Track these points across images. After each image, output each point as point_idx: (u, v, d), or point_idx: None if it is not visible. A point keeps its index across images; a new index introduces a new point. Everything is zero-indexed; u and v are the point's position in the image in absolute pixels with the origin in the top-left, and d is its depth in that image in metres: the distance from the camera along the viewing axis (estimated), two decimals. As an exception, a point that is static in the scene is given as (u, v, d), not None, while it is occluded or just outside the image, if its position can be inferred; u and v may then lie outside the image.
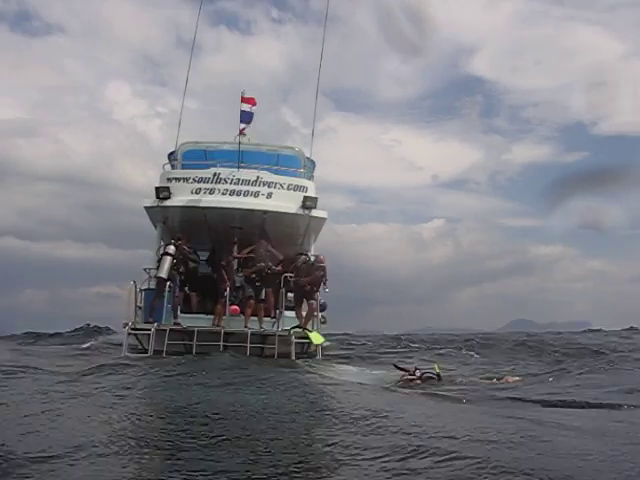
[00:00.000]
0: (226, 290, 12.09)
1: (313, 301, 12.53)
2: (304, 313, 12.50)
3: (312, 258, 13.07)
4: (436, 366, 9.28)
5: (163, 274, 11.91)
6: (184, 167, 14.24)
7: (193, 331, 11.37)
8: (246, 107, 13.52)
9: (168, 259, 12.02)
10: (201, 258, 13.60)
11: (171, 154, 14.98)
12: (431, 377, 8.81)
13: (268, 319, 12.43)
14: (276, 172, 13.81)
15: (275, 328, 12.14)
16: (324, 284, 12.46)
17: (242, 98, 13.55)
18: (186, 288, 12.64)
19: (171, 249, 12.16)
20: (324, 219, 13.62)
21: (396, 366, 9.87)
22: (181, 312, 12.30)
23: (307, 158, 15.17)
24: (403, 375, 9.06)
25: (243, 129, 13.72)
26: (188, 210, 12.97)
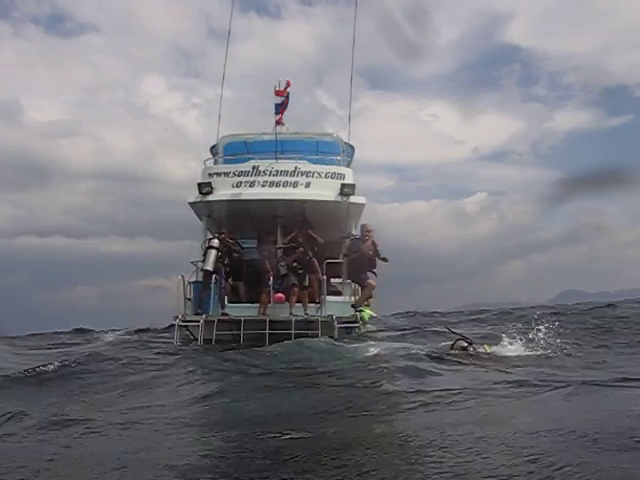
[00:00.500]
0: (269, 279, 12.49)
1: (368, 278, 12.52)
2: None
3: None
4: (486, 346, 8.76)
5: (209, 266, 12.43)
6: (225, 160, 14.71)
7: (240, 320, 11.87)
8: (279, 100, 13.78)
9: (213, 252, 12.52)
10: (248, 246, 14.13)
11: (213, 147, 15.46)
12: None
13: (313, 305, 12.79)
14: (314, 161, 14.07)
15: (319, 314, 12.49)
16: (377, 253, 12.42)
17: (276, 91, 13.85)
18: (230, 279, 13.11)
19: (215, 242, 12.65)
20: (363, 204, 13.81)
21: (450, 330, 9.68)
22: (229, 302, 12.81)
23: (346, 143, 15.39)
24: (456, 342, 8.68)
25: (279, 119, 14.01)
26: (230, 204, 13.41)
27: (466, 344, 8.59)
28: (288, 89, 14.77)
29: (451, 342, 8.89)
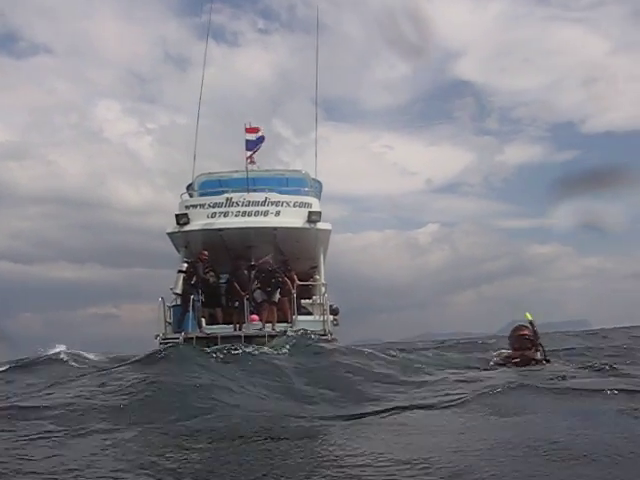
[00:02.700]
0: (243, 301, 13.40)
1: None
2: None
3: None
4: (528, 314, 7.93)
5: (177, 290, 13.50)
6: (201, 195, 15.82)
7: (217, 336, 12.73)
8: (250, 137, 15.03)
9: (180, 276, 13.57)
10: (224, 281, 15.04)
11: (189, 186, 16.57)
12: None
13: (285, 324, 13.68)
14: (283, 192, 15.21)
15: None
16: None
17: (246, 129, 15.11)
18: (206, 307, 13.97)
19: (183, 266, 13.70)
20: (329, 230, 14.95)
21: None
22: (207, 325, 13.67)
23: (313, 179, 16.65)
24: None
25: (249, 156, 15.22)
26: (206, 233, 14.43)
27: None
28: (261, 132, 16.05)
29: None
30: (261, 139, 15.83)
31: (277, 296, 13.54)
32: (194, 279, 13.65)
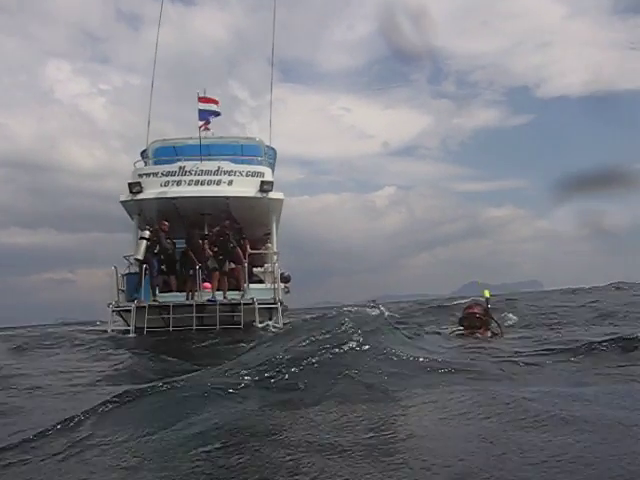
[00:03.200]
0: (195, 269, 13.70)
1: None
2: None
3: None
4: (487, 292, 7.67)
5: (139, 256, 13.60)
6: (156, 163, 15.87)
7: (169, 305, 13.06)
8: (204, 106, 15.04)
9: (143, 242, 13.68)
10: (180, 246, 15.26)
11: (143, 152, 16.58)
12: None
13: (237, 292, 14.07)
14: (237, 162, 15.38)
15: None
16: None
17: (200, 98, 15.11)
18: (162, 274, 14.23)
19: (146, 234, 13.82)
20: (281, 200, 15.22)
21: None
22: (161, 293, 13.95)
23: (267, 146, 16.81)
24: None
25: (202, 125, 15.26)
26: (159, 201, 14.58)
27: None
28: (217, 107, 16.05)
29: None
30: (216, 114, 15.89)
31: (228, 265, 13.87)
32: (157, 248, 13.85)
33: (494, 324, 7.62)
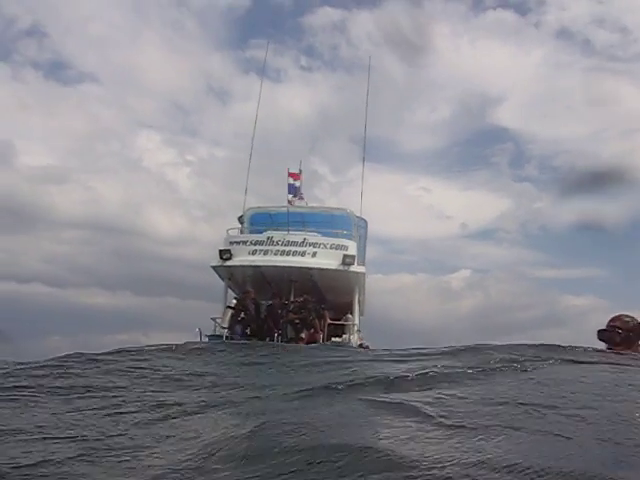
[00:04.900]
0: (274, 334, 14.31)
1: None
2: None
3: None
4: None
5: (225, 324, 14.50)
6: (251, 228, 16.88)
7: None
8: (292, 181, 15.91)
9: (229, 312, 14.62)
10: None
11: (240, 217, 17.66)
12: None
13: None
14: (323, 234, 15.96)
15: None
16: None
17: (289, 173, 16.01)
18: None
19: (232, 302, 14.71)
20: (363, 273, 15.57)
21: None
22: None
23: (358, 217, 17.32)
24: None
25: (291, 199, 16.11)
26: (246, 269, 15.44)
27: None
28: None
29: None
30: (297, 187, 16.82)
31: (305, 334, 14.36)
32: (241, 315, 14.69)
33: None
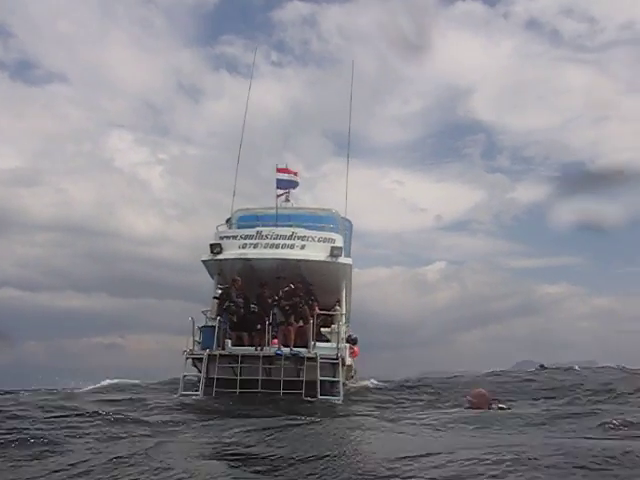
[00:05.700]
0: (264, 324, 14.66)
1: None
2: None
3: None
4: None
5: (212, 314, 14.90)
6: (238, 227, 17.38)
7: (238, 355, 13.98)
8: (282, 176, 16.57)
9: (215, 302, 15.03)
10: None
11: (228, 220, 18.17)
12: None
13: (304, 349, 14.78)
14: (310, 228, 16.55)
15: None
16: None
17: (278, 169, 16.70)
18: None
19: (217, 293, 15.14)
20: (350, 265, 16.14)
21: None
22: (233, 346, 14.92)
23: (343, 218, 18.01)
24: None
25: (280, 195, 16.73)
26: (237, 262, 15.88)
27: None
28: (297, 178, 17.67)
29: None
30: (293, 184, 17.41)
31: (293, 319, 14.72)
32: (226, 303, 15.04)
33: None
